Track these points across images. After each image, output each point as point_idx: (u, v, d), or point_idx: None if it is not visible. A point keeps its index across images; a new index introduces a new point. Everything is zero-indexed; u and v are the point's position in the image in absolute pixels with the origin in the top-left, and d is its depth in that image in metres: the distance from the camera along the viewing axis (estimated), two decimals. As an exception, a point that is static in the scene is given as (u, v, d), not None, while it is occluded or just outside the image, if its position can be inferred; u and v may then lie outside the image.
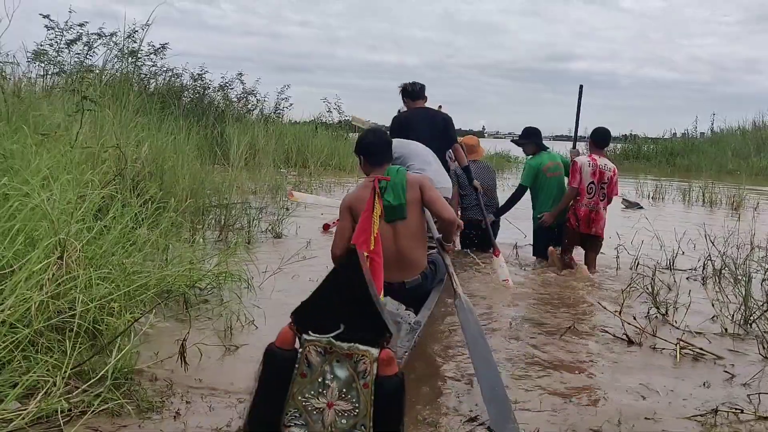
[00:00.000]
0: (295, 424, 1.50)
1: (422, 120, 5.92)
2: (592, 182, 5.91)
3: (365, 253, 3.08)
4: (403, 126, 5.86)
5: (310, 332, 1.52)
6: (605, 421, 2.93)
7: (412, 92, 6.17)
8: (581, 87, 6.62)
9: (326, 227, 7.89)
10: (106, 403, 2.75)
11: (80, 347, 3.08)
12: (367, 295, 1.50)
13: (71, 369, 2.90)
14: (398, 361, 2.81)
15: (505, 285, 5.31)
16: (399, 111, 6.59)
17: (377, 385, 1.48)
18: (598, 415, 3.00)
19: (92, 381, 2.85)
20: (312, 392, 1.50)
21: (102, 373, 2.90)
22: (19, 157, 4.79)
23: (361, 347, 1.48)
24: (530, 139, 6.64)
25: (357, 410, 1.47)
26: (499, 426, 2.72)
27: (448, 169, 6.07)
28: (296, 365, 1.51)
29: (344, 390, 1.48)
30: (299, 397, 1.51)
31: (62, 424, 2.57)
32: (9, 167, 4.56)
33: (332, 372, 1.50)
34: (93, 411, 2.68)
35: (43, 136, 5.35)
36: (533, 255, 6.55)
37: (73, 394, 2.80)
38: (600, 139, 6.17)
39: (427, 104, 6.35)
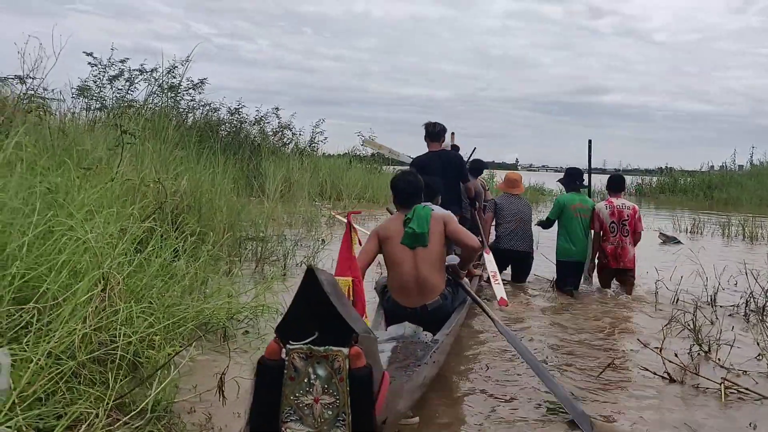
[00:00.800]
0: (291, 420, 1.77)
1: (437, 163, 6.36)
2: (613, 222, 6.68)
3: (350, 279, 3.43)
4: (420, 168, 6.10)
5: (291, 342, 1.78)
6: (649, 462, 2.87)
7: (432, 133, 6.61)
8: (590, 142, 7.58)
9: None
10: (147, 434, 2.77)
11: (121, 380, 3.12)
12: (330, 304, 1.75)
13: (113, 401, 2.94)
14: (412, 372, 2.95)
15: (500, 304, 5.52)
16: None
17: (350, 377, 1.74)
18: (641, 456, 2.94)
19: (133, 414, 2.88)
20: (300, 391, 1.77)
21: (142, 405, 2.93)
22: (63, 190, 4.92)
23: (334, 348, 1.75)
24: (570, 179, 7.18)
25: (338, 401, 1.74)
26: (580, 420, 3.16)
27: (460, 202, 6.36)
28: (285, 371, 1.77)
29: (326, 386, 1.75)
30: (291, 397, 1.78)
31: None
32: (54, 200, 4.68)
33: (315, 372, 1.76)
34: (134, 444, 2.70)
35: (86, 170, 5.48)
36: (557, 288, 6.71)
37: (115, 426, 2.83)
38: (614, 185, 6.98)
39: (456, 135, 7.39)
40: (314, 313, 1.77)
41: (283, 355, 1.79)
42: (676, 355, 4.30)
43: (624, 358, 4.32)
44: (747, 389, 3.78)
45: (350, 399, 1.73)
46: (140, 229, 4.66)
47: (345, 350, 1.74)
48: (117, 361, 3.11)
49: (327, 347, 1.75)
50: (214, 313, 4.29)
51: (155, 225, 5.27)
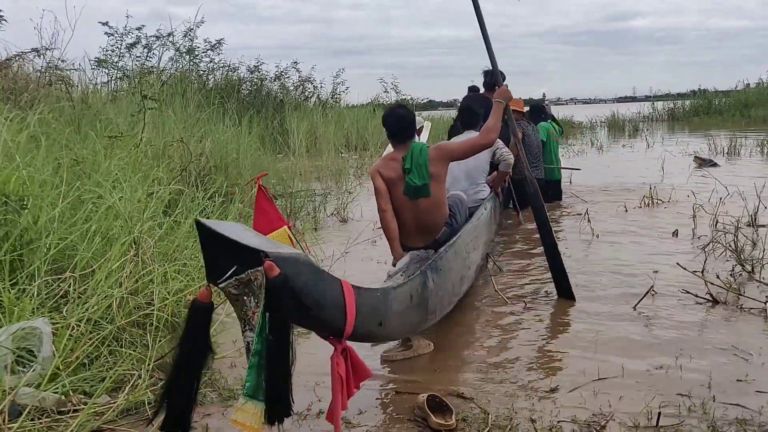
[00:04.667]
0: (247, 329, 2.06)
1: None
2: None
3: (286, 227, 3.58)
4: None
5: (218, 282, 2.02)
6: (695, 385, 2.82)
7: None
8: (544, 94, 7.72)
9: None
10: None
11: (161, 340, 3.16)
12: (229, 241, 1.97)
13: (154, 362, 2.98)
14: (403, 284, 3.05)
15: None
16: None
17: (267, 284, 1.96)
18: (686, 380, 2.89)
19: (175, 372, 2.92)
20: (245, 308, 2.05)
21: (184, 363, 2.96)
22: (90, 161, 4.95)
23: (252, 270, 1.97)
24: (536, 113, 8.24)
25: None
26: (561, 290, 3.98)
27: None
28: (229, 299, 2.05)
29: (256, 301, 2.01)
30: (241, 313, 2.05)
31: (150, 415, 2.63)
32: (81, 171, 4.71)
33: (249, 292, 2.01)
34: (178, 401, 2.74)
35: (111, 138, 5.50)
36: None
37: (158, 385, 2.87)
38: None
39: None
40: (224, 253, 1.99)
41: (212, 299, 2.06)
42: (717, 277, 4.21)
43: (663, 283, 4.22)
44: (793, 306, 3.69)
45: (264, 302, 1.97)
46: (167, 191, 4.67)
47: (260, 268, 1.96)
48: (155, 323, 3.14)
49: (247, 272, 1.98)
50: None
51: (182, 187, 5.29)
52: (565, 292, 4.13)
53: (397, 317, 2.81)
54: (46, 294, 3.24)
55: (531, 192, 4.37)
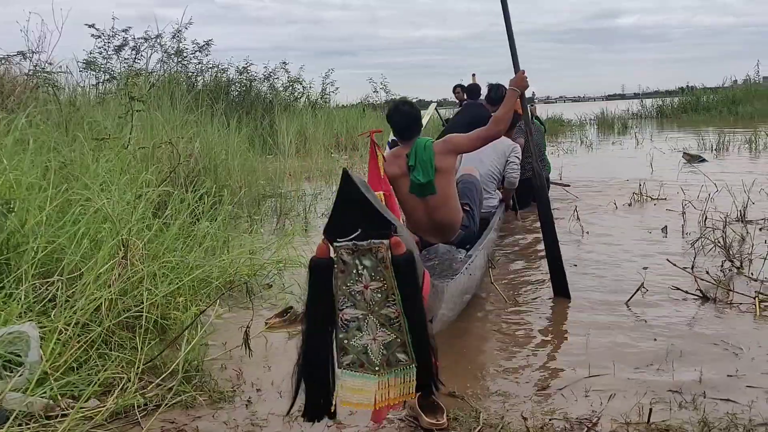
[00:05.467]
0: (346, 306, 1.92)
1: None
2: None
3: (382, 193, 3.41)
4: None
5: (338, 240, 1.90)
6: (686, 381, 2.83)
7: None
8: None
9: None
10: (179, 396, 2.79)
11: (150, 343, 3.14)
12: (367, 201, 1.88)
13: (144, 364, 2.95)
14: (450, 279, 3.16)
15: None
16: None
17: (394, 263, 1.87)
18: (677, 376, 2.89)
19: (164, 375, 2.90)
20: (351, 281, 1.91)
21: (173, 367, 2.94)
22: (78, 163, 4.91)
23: (376, 241, 1.88)
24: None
25: (385, 284, 1.89)
26: (557, 288, 3.97)
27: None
28: (335, 266, 1.92)
29: (373, 274, 1.89)
30: (343, 287, 1.92)
31: (139, 419, 2.62)
32: (69, 174, 4.68)
33: (361, 263, 1.90)
34: (167, 404, 2.72)
35: (99, 141, 5.46)
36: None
37: (148, 388, 2.85)
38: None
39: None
40: (354, 213, 1.90)
41: (332, 254, 1.93)
42: (707, 273, 4.23)
43: (653, 280, 4.23)
44: (782, 301, 3.70)
45: (396, 282, 1.88)
46: (156, 193, 4.64)
47: (386, 241, 1.88)
48: (144, 324, 3.11)
49: (370, 240, 1.88)
50: (237, 271, 4.28)
51: (171, 189, 5.26)
52: (562, 291, 4.13)
53: (439, 315, 2.78)
54: (33, 298, 3.21)
55: (536, 186, 4.32)
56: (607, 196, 7.54)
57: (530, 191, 6.83)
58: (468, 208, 4.13)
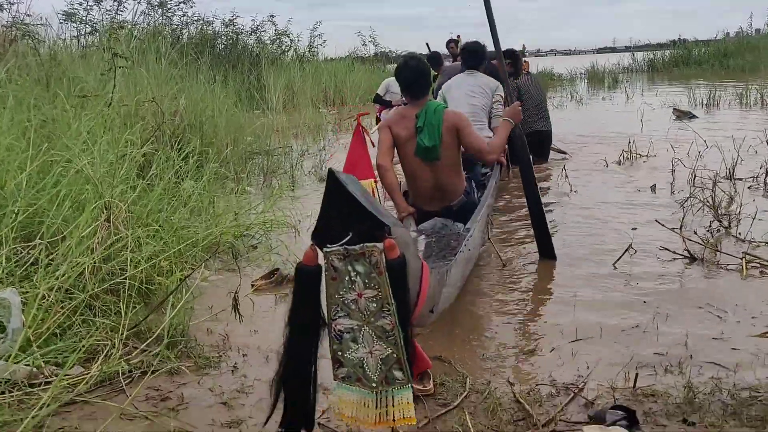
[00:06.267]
0: (339, 316, 1.83)
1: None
2: None
3: (371, 181, 3.37)
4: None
5: (327, 246, 1.81)
6: (672, 344, 2.84)
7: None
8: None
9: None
10: (164, 362, 2.76)
11: (135, 308, 3.10)
12: (358, 204, 1.78)
13: (128, 330, 2.92)
14: (449, 262, 2.93)
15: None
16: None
17: (388, 267, 1.77)
18: (663, 339, 2.90)
19: (149, 341, 2.88)
20: (344, 289, 1.82)
21: (158, 332, 2.92)
22: (60, 121, 4.80)
23: (369, 245, 1.77)
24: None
25: (380, 292, 1.79)
26: (544, 250, 4.02)
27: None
28: (325, 273, 1.83)
29: (366, 281, 1.79)
30: (336, 296, 1.83)
31: (124, 386, 2.60)
32: (50, 133, 4.57)
33: (354, 269, 1.80)
34: (153, 371, 2.70)
35: (81, 98, 5.34)
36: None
37: (132, 354, 2.83)
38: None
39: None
40: (344, 214, 1.81)
41: (321, 261, 1.84)
42: (695, 233, 4.22)
43: (642, 241, 4.22)
44: (769, 261, 3.71)
45: (391, 289, 1.78)
46: (140, 154, 4.56)
47: (380, 245, 1.77)
48: (127, 290, 3.07)
49: (362, 244, 1.78)
50: (223, 234, 4.23)
51: (155, 148, 5.17)
52: (547, 252, 4.12)
53: (441, 302, 2.68)
54: (15, 262, 3.16)
55: (518, 146, 4.24)
56: (597, 153, 7.50)
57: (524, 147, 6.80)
58: (472, 184, 4.07)
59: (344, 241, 1.79)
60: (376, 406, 1.84)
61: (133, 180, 4.19)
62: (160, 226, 3.91)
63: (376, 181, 3.25)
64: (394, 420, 1.83)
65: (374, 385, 1.83)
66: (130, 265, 3.18)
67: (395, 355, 1.80)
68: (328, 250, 1.82)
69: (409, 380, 1.82)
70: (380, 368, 1.82)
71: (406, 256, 1.83)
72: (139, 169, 4.68)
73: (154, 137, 5.44)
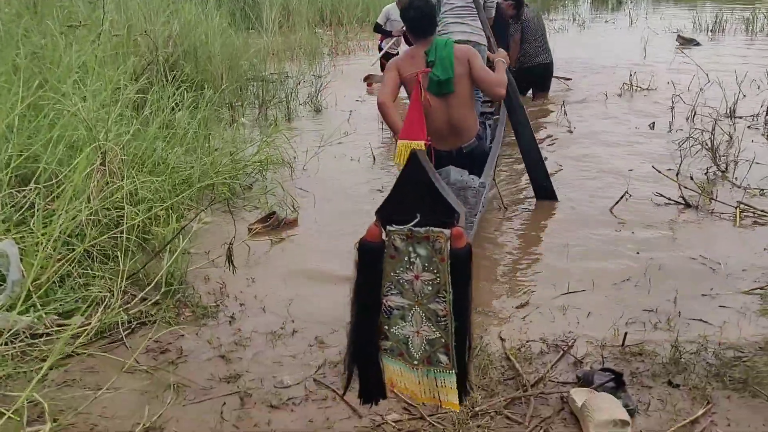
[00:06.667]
0: (392, 293, 1.81)
1: None
2: None
3: (423, 142, 3.13)
4: None
5: (393, 224, 1.77)
6: (662, 300, 2.89)
7: None
8: None
9: (369, 83, 8.06)
10: (163, 312, 2.81)
11: (133, 256, 3.11)
12: (434, 188, 1.73)
13: (126, 278, 2.94)
14: (471, 223, 3.08)
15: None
16: None
17: (452, 255, 1.74)
18: (654, 293, 2.96)
19: (148, 289, 2.91)
20: (401, 268, 1.79)
21: (156, 279, 2.95)
22: (49, 51, 4.69)
23: (436, 229, 1.73)
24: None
25: (438, 278, 1.76)
26: (542, 192, 4.06)
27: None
28: (385, 250, 1.80)
29: (426, 264, 1.76)
30: (392, 273, 1.80)
31: (124, 337, 2.66)
32: (41, 66, 4.48)
33: (415, 251, 1.77)
34: (151, 321, 2.76)
35: (70, 27, 5.20)
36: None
37: (132, 303, 2.87)
38: None
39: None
40: (417, 197, 1.76)
41: (384, 237, 1.81)
42: (691, 178, 4.23)
43: (638, 186, 4.22)
44: (763, 211, 3.73)
45: (451, 278, 1.75)
46: (133, 91, 4.48)
47: (447, 231, 1.73)
48: (124, 241, 3.08)
49: (428, 228, 1.74)
50: (218, 174, 4.21)
51: (150, 81, 5.09)
52: (547, 194, 4.13)
53: None
54: (11, 205, 3.16)
55: (510, 92, 4.11)
56: (598, 85, 7.36)
57: (529, 79, 6.71)
58: (485, 127, 4.05)
59: (413, 223, 1.75)
60: (418, 382, 1.85)
61: (127, 119, 4.15)
62: (155, 166, 3.90)
63: (427, 144, 3.18)
64: (439, 400, 1.84)
65: (416, 362, 1.83)
66: (127, 219, 3.15)
67: (443, 340, 1.79)
68: (392, 229, 1.79)
69: (454, 366, 1.81)
70: (425, 348, 1.81)
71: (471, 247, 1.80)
72: (134, 105, 4.63)
73: (147, 68, 5.33)
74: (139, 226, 3.33)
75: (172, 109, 4.84)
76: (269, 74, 8.17)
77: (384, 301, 1.83)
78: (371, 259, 1.81)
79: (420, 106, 3.29)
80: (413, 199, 1.76)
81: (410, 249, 1.77)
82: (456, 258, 1.74)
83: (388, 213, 1.79)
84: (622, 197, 3.96)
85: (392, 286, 1.81)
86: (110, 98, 4.18)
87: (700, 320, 2.71)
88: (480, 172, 3.71)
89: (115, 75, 4.47)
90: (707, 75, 6.77)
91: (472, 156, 3.84)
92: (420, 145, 3.14)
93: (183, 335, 2.72)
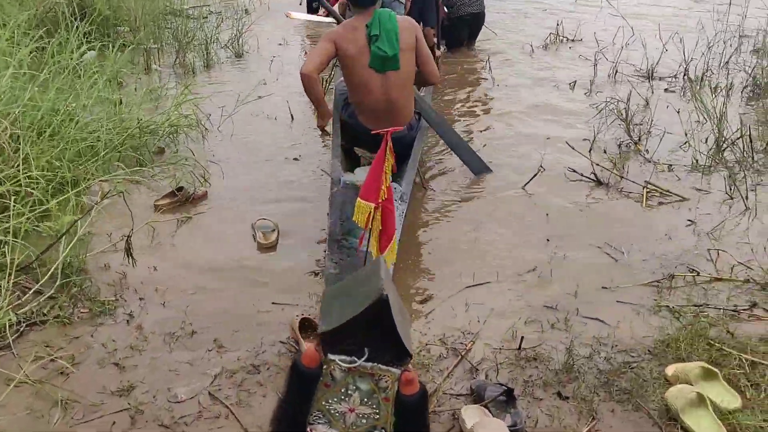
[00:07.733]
0: (319, 422, 1.71)
1: None
2: None
3: (374, 205, 2.66)
4: None
5: (336, 354, 1.69)
6: (562, 294, 2.94)
7: None
8: None
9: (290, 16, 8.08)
10: (58, 309, 2.71)
11: (28, 240, 2.96)
12: (396, 334, 1.65)
13: (18, 270, 2.77)
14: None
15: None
16: None
17: (398, 401, 1.67)
18: (556, 287, 3.01)
19: (42, 281, 2.78)
20: (335, 399, 1.70)
21: (52, 270, 2.82)
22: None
23: (383, 368, 1.67)
24: None
25: (378, 415, 1.68)
26: (476, 168, 4.04)
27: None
28: (321, 378, 1.71)
29: (365, 399, 1.69)
30: (323, 402, 1.71)
31: (11, 341, 2.53)
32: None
33: (355, 384, 1.69)
34: (44, 320, 2.65)
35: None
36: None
37: (23, 299, 2.74)
38: None
39: None
40: (370, 333, 1.68)
41: (323, 365, 1.72)
42: (605, 151, 4.28)
43: (552, 162, 4.20)
44: (668, 191, 3.81)
45: (396, 419, 1.68)
46: (29, 49, 4.17)
47: (396, 372, 1.65)
48: (11, 233, 2.90)
49: (374, 365, 1.67)
50: (125, 140, 4.00)
51: (50, 30, 4.75)
52: (480, 168, 4.11)
53: None
54: None
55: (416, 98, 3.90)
56: (525, 37, 7.22)
57: (460, 29, 6.58)
58: (418, 116, 3.87)
59: (362, 359, 1.68)
60: None
61: (23, 81, 3.87)
62: (54, 135, 3.67)
63: (376, 208, 2.74)
64: None
65: None
66: (13, 214, 2.94)
67: None
68: (333, 359, 1.70)
69: None
70: None
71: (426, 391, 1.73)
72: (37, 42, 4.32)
73: (47, 17, 4.97)
74: (33, 205, 3.15)
75: (81, 56, 4.54)
76: (190, 8, 7.76)
77: (308, 429, 1.73)
78: (302, 385, 1.73)
79: (382, 166, 2.87)
80: (367, 334, 1.69)
81: (349, 381, 1.70)
82: (405, 406, 1.67)
83: (334, 340, 1.70)
84: (535, 175, 3.96)
85: (321, 416, 1.72)
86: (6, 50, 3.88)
87: (597, 319, 2.78)
88: (403, 163, 3.54)
89: (9, 28, 4.15)
90: (632, 29, 6.75)
91: (399, 144, 3.63)
92: (369, 207, 2.73)
93: (77, 337, 2.62)
